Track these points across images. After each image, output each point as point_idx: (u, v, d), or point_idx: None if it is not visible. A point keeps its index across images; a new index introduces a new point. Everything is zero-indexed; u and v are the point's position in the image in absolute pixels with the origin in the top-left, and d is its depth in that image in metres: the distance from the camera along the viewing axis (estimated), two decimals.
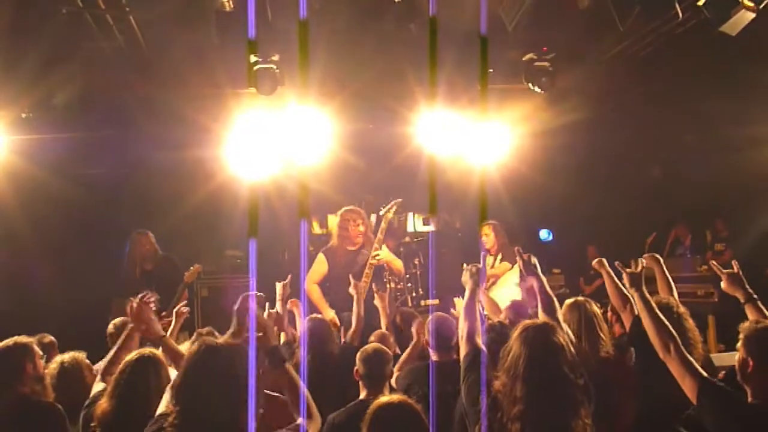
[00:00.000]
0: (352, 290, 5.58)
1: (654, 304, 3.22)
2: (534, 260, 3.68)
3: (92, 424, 3.38)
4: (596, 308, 4.06)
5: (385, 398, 2.87)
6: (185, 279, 6.65)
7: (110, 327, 5.05)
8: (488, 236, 7.66)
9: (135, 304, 3.92)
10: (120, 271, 6.84)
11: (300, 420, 2.95)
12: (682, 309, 3.92)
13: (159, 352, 3.68)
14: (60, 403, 3.66)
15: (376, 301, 5.57)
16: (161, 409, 3.06)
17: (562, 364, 2.83)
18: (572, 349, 2.98)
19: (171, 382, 2.76)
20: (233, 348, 2.73)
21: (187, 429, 2.59)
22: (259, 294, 3.83)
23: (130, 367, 3.44)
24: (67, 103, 6.81)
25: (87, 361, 4.22)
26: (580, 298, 4.15)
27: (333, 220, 7.15)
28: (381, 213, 6.94)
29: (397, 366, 4.59)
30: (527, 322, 3.03)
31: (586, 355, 3.73)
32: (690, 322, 3.82)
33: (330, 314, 6.34)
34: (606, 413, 3.67)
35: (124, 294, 5.61)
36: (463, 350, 3.21)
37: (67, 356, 4.15)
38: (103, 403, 3.42)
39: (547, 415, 2.75)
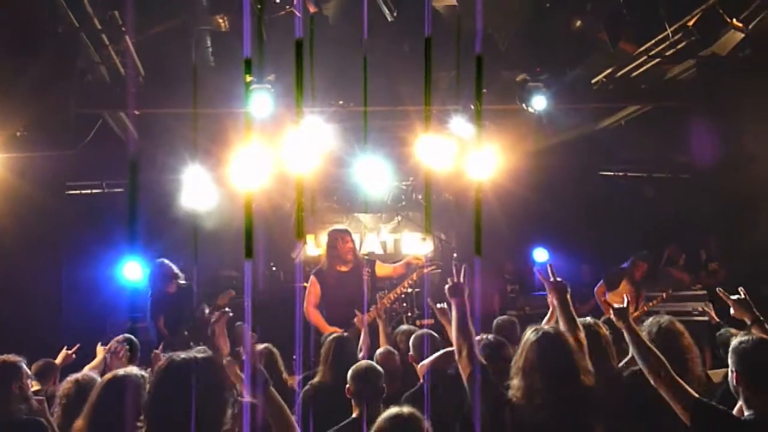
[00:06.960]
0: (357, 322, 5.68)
1: (640, 334, 3.25)
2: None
3: None
4: (603, 330, 4.02)
5: (395, 410, 2.76)
6: (218, 302, 6.94)
7: None
8: None
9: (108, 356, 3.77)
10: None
11: None
12: (679, 327, 3.84)
13: (135, 371, 3.58)
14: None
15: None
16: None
17: (571, 355, 2.96)
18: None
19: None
20: (197, 360, 2.64)
21: None
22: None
23: (105, 388, 3.35)
24: (62, 121, 6.80)
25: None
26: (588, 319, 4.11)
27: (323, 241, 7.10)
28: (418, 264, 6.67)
29: None
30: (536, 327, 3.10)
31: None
32: (687, 340, 3.77)
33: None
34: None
35: (154, 313, 6.76)
36: (466, 368, 3.13)
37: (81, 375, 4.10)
38: (79, 424, 3.38)
39: (564, 405, 2.86)
